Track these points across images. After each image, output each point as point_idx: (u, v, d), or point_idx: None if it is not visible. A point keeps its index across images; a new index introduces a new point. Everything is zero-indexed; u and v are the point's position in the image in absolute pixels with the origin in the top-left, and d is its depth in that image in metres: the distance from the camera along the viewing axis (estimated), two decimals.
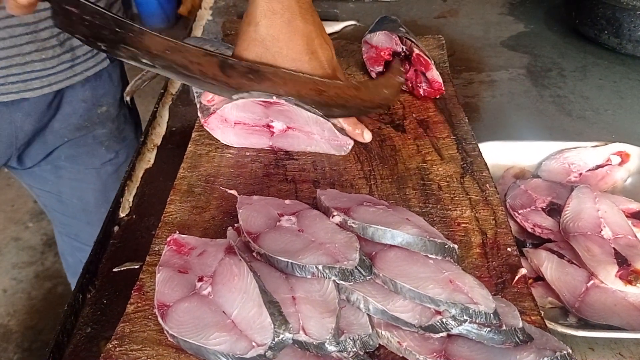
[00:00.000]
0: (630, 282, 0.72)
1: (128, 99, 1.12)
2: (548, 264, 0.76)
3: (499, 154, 0.95)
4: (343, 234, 0.64)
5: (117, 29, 0.76)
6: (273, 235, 0.65)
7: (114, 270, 0.79)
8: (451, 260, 0.63)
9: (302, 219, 0.68)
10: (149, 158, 1.01)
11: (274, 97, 0.83)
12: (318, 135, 0.87)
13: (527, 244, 0.83)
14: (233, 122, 0.87)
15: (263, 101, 0.85)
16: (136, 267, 0.78)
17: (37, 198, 1.30)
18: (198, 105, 0.90)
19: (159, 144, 1.05)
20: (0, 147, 1.04)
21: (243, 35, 0.84)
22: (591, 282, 0.74)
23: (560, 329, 0.67)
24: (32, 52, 0.96)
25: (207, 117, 0.87)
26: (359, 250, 0.61)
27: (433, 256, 0.62)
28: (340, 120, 0.88)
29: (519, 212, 0.85)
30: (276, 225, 0.67)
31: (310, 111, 0.85)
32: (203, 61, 0.80)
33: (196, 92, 0.92)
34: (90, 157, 1.16)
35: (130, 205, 0.91)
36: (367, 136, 0.89)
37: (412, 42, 0.98)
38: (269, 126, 0.88)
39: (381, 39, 1.02)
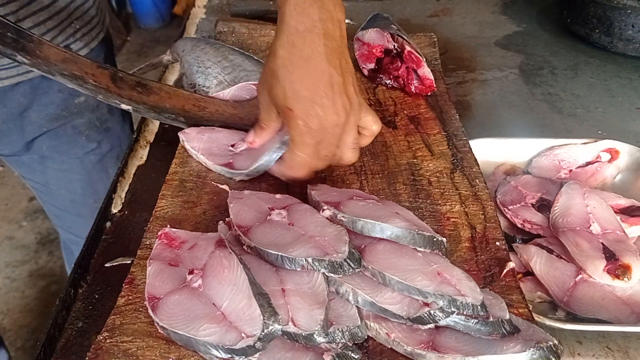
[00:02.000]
0: (618, 277, 0.72)
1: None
2: (537, 259, 0.77)
3: (490, 151, 0.95)
4: (333, 227, 0.64)
5: (17, 37, 0.80)
6: (263, 228, 0.66)
7: (106, 265, 0.79)
8: (439, 253, 0.63)
9: (293, 213, 0.68)
10: (142, 155, 1.01)
11: None
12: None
13: (517, 240, 0.83)
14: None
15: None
16: (128, 262, 0.78)
17: (32, 190, 1.32)
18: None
19: (151, 141, 1.05)
20: None
21: (265, 63, 0.77)
22: (579, 276, 0.74)
23: (548, 322, 0.68)
24: None
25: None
26: (348, 243, 0.61)
27: (421, 249, 0.62)
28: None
29: (509, 208, 0.85)
30: (267, 219, 0.68)
31: None
32: (97, 73, 0.85)
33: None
34: (72, 147, 1.18)
35: (123, 201, 0.91)
36: None
37: (404, 39, 0.99)
38: (230, 149, 0.87)
39: (373, 36, 1.02)
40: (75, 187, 1.24)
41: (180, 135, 0.90)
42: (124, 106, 0.88)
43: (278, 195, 0.73)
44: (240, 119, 0.91)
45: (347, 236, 0.63)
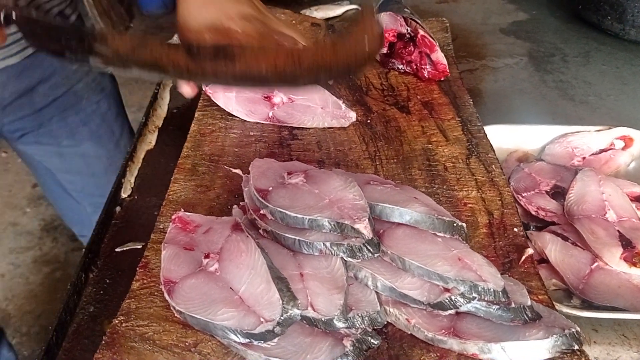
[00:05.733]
0: (634, 264, 0.72)
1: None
2: (552, 247, 0.76)
3: (502, 138, 0.94)
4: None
5: (81, 37, 0.74)
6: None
7: (117, 250, 0.79)
8: (459, 238, 0.63)
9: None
10: (150, 139, 1.01)
11: None
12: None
13: (531, 227, 0.83)
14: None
15: None
16: (138, 247, 0.78)
17: (41, 165, 1.34)
18: None
19: (160, 125, 1.04)
20: None
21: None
22: (595, 264, 0.73)
23: (564, 309, 0.67)
24: None
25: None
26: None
27: (441, 234, 0.62)
28: None
29: (523, 195, 0.85)
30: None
31: None
32: (170, 53, 0.74)
33: None
34: (76, 113, 1.21)
35: (132, 185, 0.91)
36: None
37: (417, 23, 0.97)
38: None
39: (386, 20, 1.01)
40: (87, 150, 1.28)
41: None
42: (208, 82, 0.82)
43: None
44: (346, 59, 0.71)
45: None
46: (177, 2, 0.84)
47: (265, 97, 0.88)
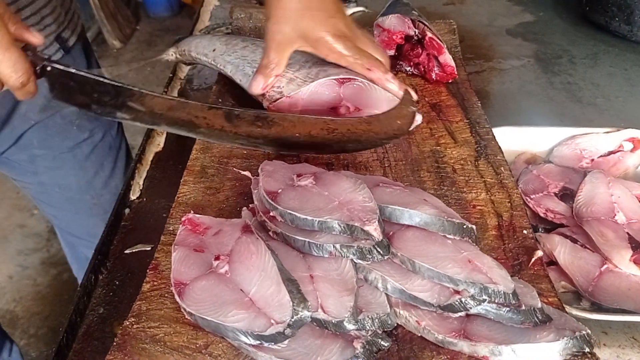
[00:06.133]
0: None
1: None
2: (561, 249, 0.76)
3: (510, 140, 0.94)
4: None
5: (117, 95, 0.76)
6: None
7: (126, 252, 0.79)
8: (469, 240, 0.63)
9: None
10: (159, 142, 1.01)
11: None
12: None
13: (540, 229, 0.83)
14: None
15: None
16: (148, 248, 0.78)
17: (26, 192, 1.27)
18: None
19: None
20: None
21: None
22: (605, 266, 0.73)
23: (574, 312, 0.67)
24: None
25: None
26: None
27: (451, 236, 0.62)
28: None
29: (532, 197, 0.85)
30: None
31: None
32: (209, 115, 0.79)
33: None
34: (63, 139, 1.12)
35: (141, 188, 0.91)
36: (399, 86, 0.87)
37: (425, 25, 0.97)
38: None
39: (394, 22, 1.01)
40: (69, 182, 1.18)
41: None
42: (237, 144, 0.82)
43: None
44: (375, 134, 0.82)
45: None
46: (269, 6, 0.85)
47: (331, 108, 0.86)
